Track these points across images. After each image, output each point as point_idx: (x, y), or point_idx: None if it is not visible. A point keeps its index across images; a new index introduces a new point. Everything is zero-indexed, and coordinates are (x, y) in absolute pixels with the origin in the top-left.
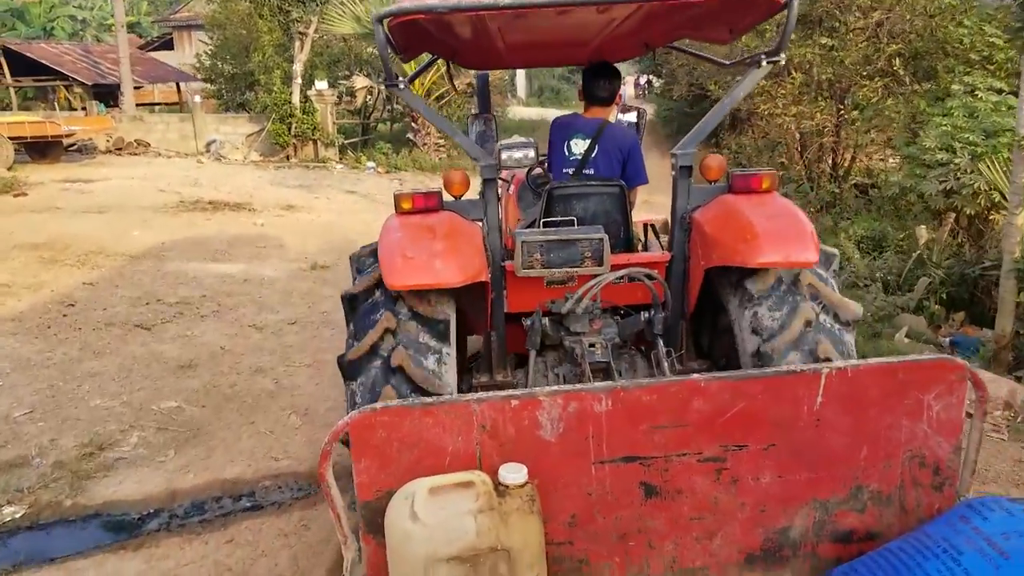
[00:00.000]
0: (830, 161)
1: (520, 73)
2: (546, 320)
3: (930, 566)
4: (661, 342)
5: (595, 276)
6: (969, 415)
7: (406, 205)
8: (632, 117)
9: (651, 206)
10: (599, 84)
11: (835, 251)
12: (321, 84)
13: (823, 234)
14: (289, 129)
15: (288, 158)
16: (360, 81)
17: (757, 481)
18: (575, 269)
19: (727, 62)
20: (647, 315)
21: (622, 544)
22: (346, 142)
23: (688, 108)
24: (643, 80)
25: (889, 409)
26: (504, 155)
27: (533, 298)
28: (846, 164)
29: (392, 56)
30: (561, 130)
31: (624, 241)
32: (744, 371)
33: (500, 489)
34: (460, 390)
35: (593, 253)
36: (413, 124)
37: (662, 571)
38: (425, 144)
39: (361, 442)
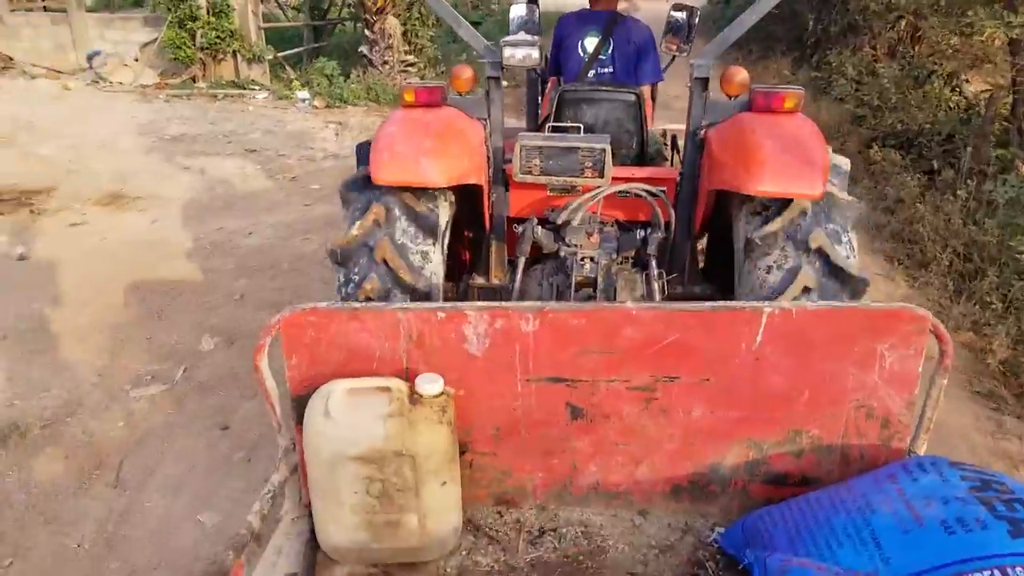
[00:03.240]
0: None
1: None
2: (540, 229)
3: (838, 522)
4: (654, 262)
5: (598, 187)
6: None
7: (409, 98)
8: (682, 15)
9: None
10: None
11: (858, 202)
12: None
13: None
14: (192, 38)
15: (194, 80)
16: None
17: (688, 414)
18: (574, 179)
19: None
20: (643, 233)
21: (546, 460)
22: (281, 56)
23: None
24: None
25: (836, 355)
26: (506, 53)
27: (537, 203)
28: None
29: None
30: (571, 27)
31: (637, 152)
32: (678, 303)
33: (414, 397)
34: (456, 289)
35: (594, 163)
36: (368, 32)
37: (584, 491)
38: (387, 62)
39: (292, 339)
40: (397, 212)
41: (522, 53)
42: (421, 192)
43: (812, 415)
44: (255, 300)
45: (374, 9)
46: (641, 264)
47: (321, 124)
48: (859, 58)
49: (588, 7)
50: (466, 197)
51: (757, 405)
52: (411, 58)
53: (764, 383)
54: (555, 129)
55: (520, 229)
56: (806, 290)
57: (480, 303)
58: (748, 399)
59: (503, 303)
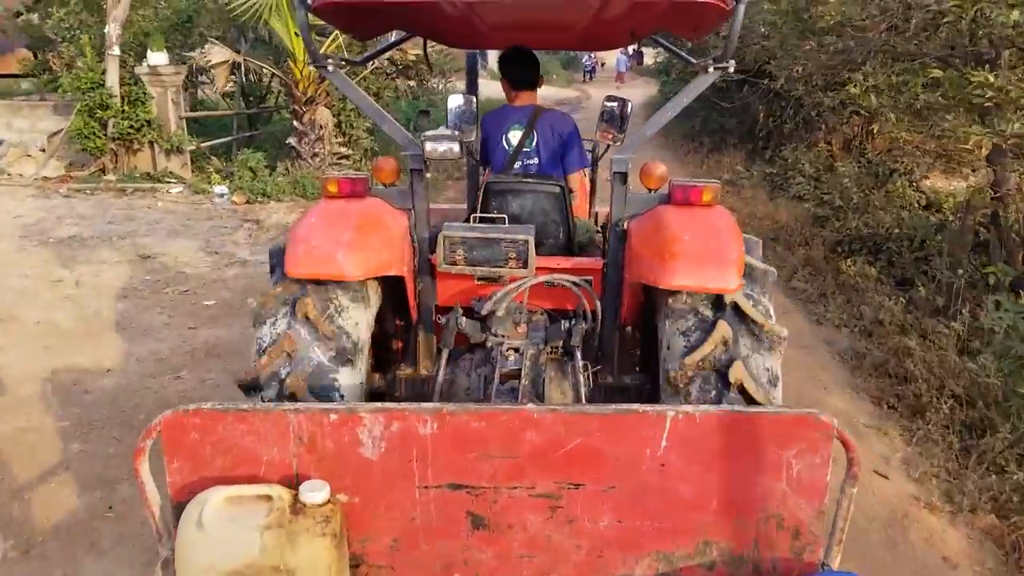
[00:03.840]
0: None
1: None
2: (465, 320)
3: None
4: (578, 353)
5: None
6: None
7: (332, 189)
8: (615, 105)
9: None
10: (522, 69)
11: (771, 269)
12: (157, 57)
13: None
14: (103, 127)
15: (103, 172)
16: (217, 53)
17: (595, 524)
18: (498, 269)
19: (694, 61)
20: (568, 324)
21: (446, 574)
22: (206, 146)
23: (721, 99)
24: (630, 51)
25: (742, 463)
26: (428, 147)
27: (464, 294)
28: None
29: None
30: (495, 123)
31: (564, 242)
32: (580, 405)
33: (297, 507)
34: (384, 380)
35: (518, 254)
36: (297, 124)
37: None
38: (317, 155)
39: (173, 442)
40: (308, 339)
41: (443, 147)
42: (340, 287)
43: (721, 525)
44: (83, 476)
45: (303, 99)
46: (569, 355)
47: (236, 223)
48: (815, 154)
49: (509, 104)
50: (395, 286)
51: (665, 514)
52: (344, 150)
53: (671, 491)
54: (482, 220)
55: (444, 320)
56: (724, 343)
57: (372, 404)
58: (656, 508)
59: (398, 404)
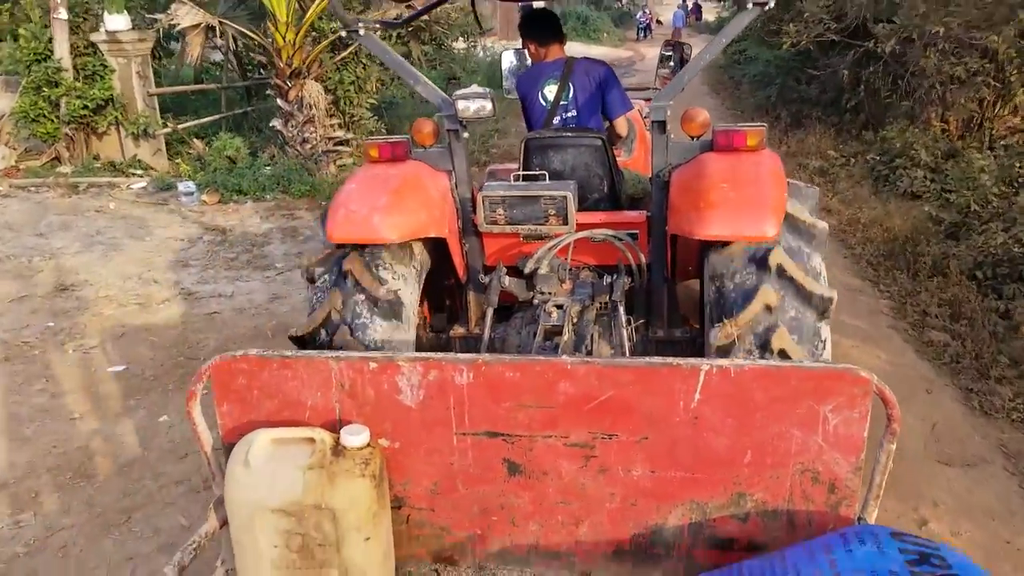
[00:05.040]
0: None
1: None
2: (509, 278)
3: None
4: (621, 308)
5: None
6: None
7: (373, 153)
8: (671, 51)
9: None
10: (545, 26)
11: (822, 224)
12: (116, 21)
13: None
14: (55, 107)
15: (57, 161)
16: (186, 15)
17: (628, 473)
18: (538, 227)
19: None
20: (610, 279)
21: (484, 517)
22: (184, 128)
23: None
24: (689, 3)
25: (777, 416)
26: (460, 106)
27: (510, 252)
28: None
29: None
30: (529, 81)
31: (608, 195)
32: (613, 358)
33: (337, 449)
34: (438, 339)
35: (557, 210)
36: (282, 102)
37: (525, 551)
38: (306, 140)
39: (222, 386)
40: (356, 297)
41: (476, 105)
42: (384, 249)
43: (755, 478)
44: None
45: (287, 72)
46: (614, 309)
47: (197, 232)
48: (931, 136)
49: (541, 61)
50: (445, 247)
51: (698, 466)
52: (341, 133)
53: (704, 443)
54: (524, 178)
55: (487, 279)
56: (768, 309)
57: (411, 354)
58: (689, 459)
59: (435, 354)
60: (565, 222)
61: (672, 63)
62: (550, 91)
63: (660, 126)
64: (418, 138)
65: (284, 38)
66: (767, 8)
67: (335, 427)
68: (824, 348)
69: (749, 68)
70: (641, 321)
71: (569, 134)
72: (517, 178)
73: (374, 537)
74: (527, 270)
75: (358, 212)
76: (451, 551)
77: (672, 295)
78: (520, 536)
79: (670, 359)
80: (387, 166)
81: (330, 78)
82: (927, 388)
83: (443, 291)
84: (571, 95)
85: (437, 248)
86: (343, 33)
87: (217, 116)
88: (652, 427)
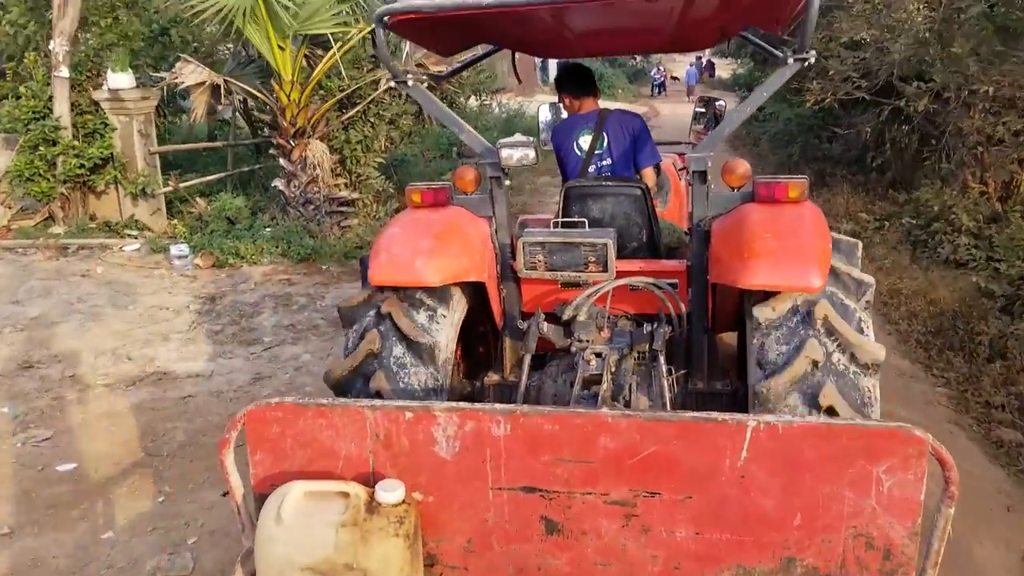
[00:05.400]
0: None
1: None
2: (548, 325)
3: None
4: (662, 358)
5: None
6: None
7: (416, 199)
8: (705, 108)
9: None
10: (581, 80)
11: (870, 279)
12: (120, 79)
13: None
14: (51, 166)
15: (51, 220)
16: (190, 72)
17: (671, 534)
18: (578, 273)
19: (778, 54)
20: (650, 328)
21: None
22: (185, 187)
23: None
24: (703, 60)
25: (828, 477)
26: (504, 154)
27: (548, 299)
28: None
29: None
30: (564, 132)
31: (647, 244)
32: (656, 412)
33: (372, 505)
34: (474, 387)
35: (597, 257)
36: (285, 162)
37: None
38: (309, 201)
39: (256, 435)
40: (393, 339)
41: (519, 154)
42: (424, 292)
43: (806, 541)
44: None
45: (291, 131)
46: (653, 359)
47: (186, 299)
48: (971, 199)
49: (575, 113)
50: (482, 293)
51: (746, 528)
52: (346, 193)
53: (752, 503)
54: (564, 225)
55: (525, 325)
56: (814, 364)
57: (447, 403)
58: (735, 520)
59: (472, 404)
60: (605, 269)
61: (706, 118)
62: (584, 141)
63: (701, 176)
64: (460, 184)
65: (288, 96)
66: (807, 64)
67: (368, 479)
68: (874, 407)
69: (769, 126)
70: (682, 372)
71: (610, 183)
72: (556, 225)
73: None
74: (566, 316)
75: (401, 255)
76: None
77: (712, 347)
78: None
79: (715, 414)
80: (429, 211)
81: (336, 137)
82: (1007, 504)
83: (476, 337)
84: (605, 144)
85: (473, 294)
86: (392, 83)
87: (223, 174)
88: (697, 486)
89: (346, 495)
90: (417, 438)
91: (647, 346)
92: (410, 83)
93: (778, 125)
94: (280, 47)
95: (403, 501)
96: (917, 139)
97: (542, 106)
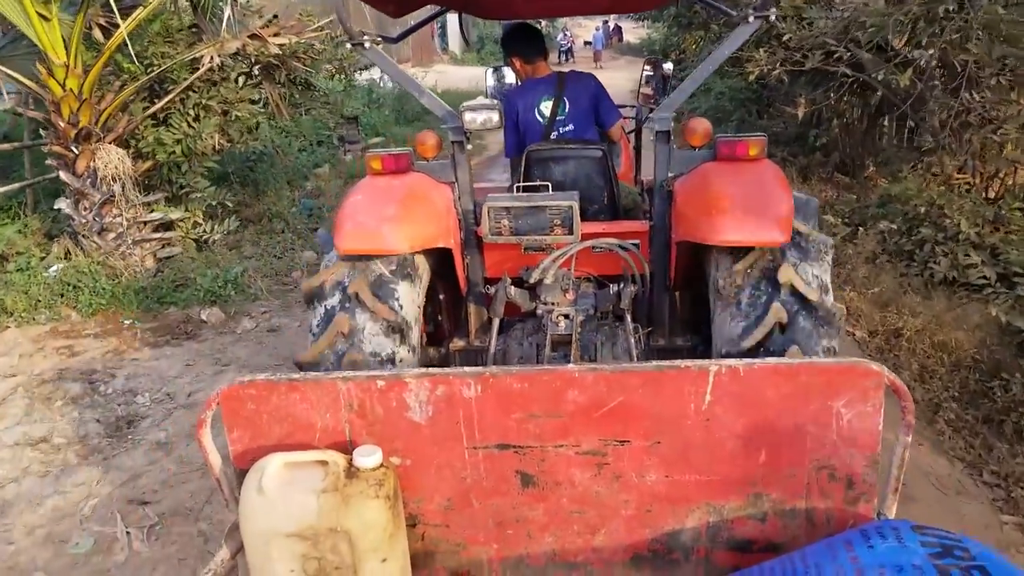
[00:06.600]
0: None
1: (452, 20)
2: (514, 289)
3: None
4: (628, 317)
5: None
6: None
7: (376, 166)
8: (649, 72)
9: None
10: (531, 41)
11: (827, 239)
12: None
13: None
14: None
15: None
16: None
17: (642, 479)
18: (543, 237)
19: (733, 13)
20: (616, 288)
21: (500, 531)
22: None
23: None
24: (610, 25)
25: (790, 414)
26: (467, 117)
27: (512, 263)
28: None
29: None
30: (523, 98)
31: (609, 206)
32: (621, 364)
33: (351, 471)
34: (439, 354)
35: (563, 220)
36: (68, 176)
37: (543, 563)
38: (106, 229)
39: (232, 413)
40: (361, 319)
41: (482, 117)
42: (388, 262)
43: (771, 477)
44: None
45: (71, 132)
46: (619, 319)
47: None
48: (959, 194)
49: (531, 78)
50: (443, 259)
51: (713, 468)
52: (160, 214)
53: (718, 444)
54: (525, 189)
55: (492, 290)
56: (780, 327)
57: (418, 370)
58: (703, 462)
59: (443, 369)
60: (570, 232)
61: (655, 80)
62: (546, 106)
63: (664, 136)
64: (420, 150)
65: (63, 86)
66: (769, 21)
67: (346, 448)
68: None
69: (700, 100)
70: (647, 330)
71: (571, 146)
72: (519, 189)
73: (391, 558)
74: (532, 280)
75: (367, 223)
76: (468, 567)
77: (672, 304)
78: (536, 548)
79: (678, 361)
80: (390, 178)
81: (143, 138)
82: None
83: (436, 304)
84: (567, 109)
85: (436, 261)
86: (348, 45)
87: (28, 182)
88: (664, 431)
89: (324, 463)
90: (391, 405)
91: (611, 306)
92: (367, 46)
93: (709, 100)
94: (42, 15)
95: (381, 465)
96: (894, 122)
97: (488, 70)
